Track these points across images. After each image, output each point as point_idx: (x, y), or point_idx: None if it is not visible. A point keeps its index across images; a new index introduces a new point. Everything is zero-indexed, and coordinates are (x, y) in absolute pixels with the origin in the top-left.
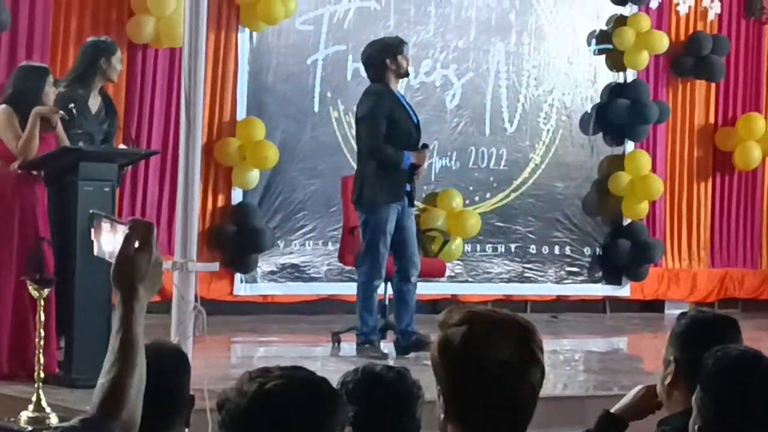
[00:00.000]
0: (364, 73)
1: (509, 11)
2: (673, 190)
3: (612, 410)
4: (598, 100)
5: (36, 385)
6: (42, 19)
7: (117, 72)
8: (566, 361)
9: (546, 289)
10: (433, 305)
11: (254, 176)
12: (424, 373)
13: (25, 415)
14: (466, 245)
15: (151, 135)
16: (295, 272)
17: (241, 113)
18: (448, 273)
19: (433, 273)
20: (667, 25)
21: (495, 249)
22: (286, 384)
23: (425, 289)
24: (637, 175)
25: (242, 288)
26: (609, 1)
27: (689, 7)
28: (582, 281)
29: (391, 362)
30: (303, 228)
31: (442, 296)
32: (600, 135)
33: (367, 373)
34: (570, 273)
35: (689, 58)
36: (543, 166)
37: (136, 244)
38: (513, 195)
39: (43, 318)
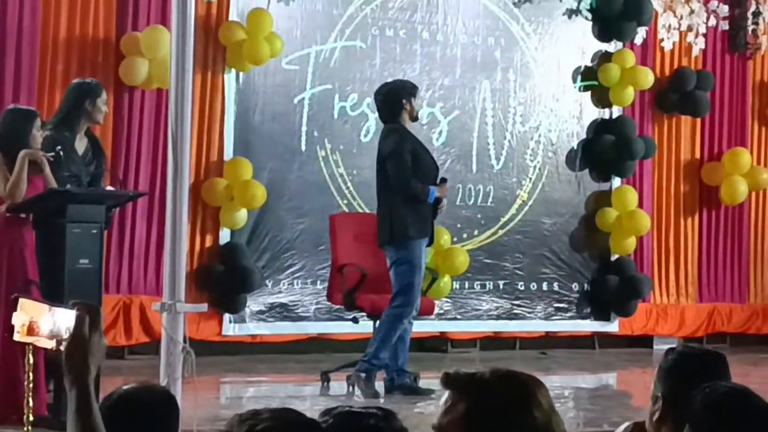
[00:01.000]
0: (350, 112)
1: (494, 49)
2: (660, 226)
3: None
4: (584, 136)
5: (25, 429)
6: (29, 61)
7: (102, 114)
8: (556, 398)
9: (535, 326)
10: (421, 343)
11: (242, 216)
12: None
13: None
14: (454, 282)
15: (138, 176)
16: (284, 312)
17: (228, 153)
18: (436, 310)
19: (422, 311)
20: (651, 60)
21: (483, 286)
22: (276, 426)
23: (416, 327)
24: (624, 211)
25: (231, 328)
26: (593, 38)
27: (673, 43)
28: (570, 317)
29: (381, 401)
30: (291, 267)
31: (430, 334)
32: (586, 171)
33: (346, 417)
34: (558, 309)
35: (674, 94)
36: (530, 202)
37: (87, 327)
38: (500, 232)
39: (32, 361)
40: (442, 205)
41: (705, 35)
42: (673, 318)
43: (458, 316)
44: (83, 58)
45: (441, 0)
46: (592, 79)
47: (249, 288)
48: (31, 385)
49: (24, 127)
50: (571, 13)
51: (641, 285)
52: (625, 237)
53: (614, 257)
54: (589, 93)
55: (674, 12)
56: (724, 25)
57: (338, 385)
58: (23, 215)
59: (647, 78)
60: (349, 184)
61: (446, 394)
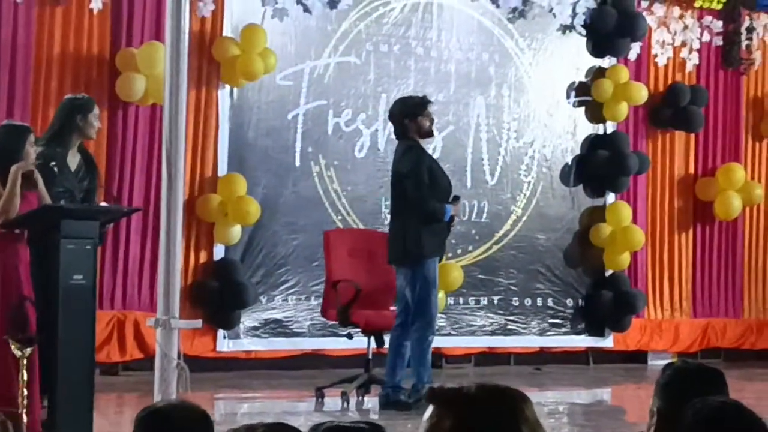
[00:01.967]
0: (345, 128)
1: (489, 64)
2: (654, 241)
3: None
4: (578, 151)
5: None
6: (23, 77)
7: (95, 129)
8: (550, 414)
9: (529, 341)
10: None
11: (236, 232)
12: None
13: None
14: (448, 298)
15: (132, 192)
16: (278, 327)
17: (222, 169)
18: None
19: None
20: (645, 76)
21: (478, 302)
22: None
23: None
24: (618, 226)
25: (225, 344)
26: (588, 53)
27: (667, 59)
28: (565, 333)
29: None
30: (286, 283)
31: None
32: (581, 187)
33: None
34: (553, 325)
35: (668, 109)
36: (524, 218)
37: None
38: (495, 247)
39: (26, 377)
40: (454, 223)
41: (699, 51)
42: (668, 333)
43: (453, 332)
44: (77, 74)
45: (435, 16)
46: (586, 94)
47: (243, 304)
48: (25, 402)
49: (17, 142)
50: (566, 28)
51: (635, 300)
52: (620, 252)
53: (608, 273)
54: (583, 109)
55: (668, 28)
56: (718, 41)
57: (332, 401)
58: (17, 231)
59: (641, 93)
60: (343, 199)
61: (430, 409)
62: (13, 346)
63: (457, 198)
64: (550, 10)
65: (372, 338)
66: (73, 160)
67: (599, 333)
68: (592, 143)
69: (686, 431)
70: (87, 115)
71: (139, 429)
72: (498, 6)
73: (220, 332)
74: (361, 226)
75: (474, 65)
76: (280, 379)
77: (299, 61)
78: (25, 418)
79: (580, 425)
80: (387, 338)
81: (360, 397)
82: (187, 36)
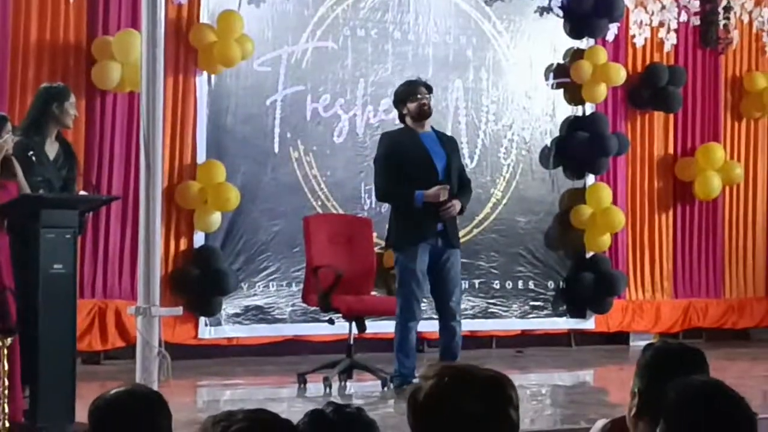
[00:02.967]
0: (323, 113)
1: (466, 47)
2: (634, 222)
3: None
4: (557, 133)
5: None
6: None
7: (71, 117)
8: (533, 396)
9: (511, 324)
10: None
11: (216, 219)
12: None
13: None
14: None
15: (111, 180)
16: (260, 314)
17: (201, 156)
18: None
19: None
20: (623, 57)
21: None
22: (250, 427)
23: (390, 328)
24: (598, 208)
25: (206, 331)
26: (565, 35)
27: (645, 39)
28: (546, 315)
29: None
30: (266, 269)
31: None
32: (560, 169)
33: (318, 416)
34: (534, 307)
35: (647, 90)
36: (504, 201)
37: None
38: (475, 231)
39: (6, 367)
40: (446, 207)
41: (677, 31)
42: (649, 314)
43: (434, 316)
44: (54, 63)
45: (413, 7)
46: (564, 76)
47: (224, 291)
48: (6, 392)
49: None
50: (543, 10)
51: (616, 282)
52: (600, 234)
53: (589, 254)
54: (561, 90)
55: (645, 8)
56: (696, 21)
57: (315, 387)
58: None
59: (619, 74)
60: (323, 185)
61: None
62: None
63: (443, 183)
64: None
65: (353, 323)
66: (52, 149)
67: (581, 315)
68: (571, 125)
69: (668, 411)
70: (63, 103)
71: (92, 419)
72: None
73: (202, 319)
74: (341, 212)
75: (452, 49)
76: (262, 366)
77: (276, 47)
78: (6, 408)
79: (563, 407)
80: (368, 323)
81: (342, 383)
82: (163, 23)
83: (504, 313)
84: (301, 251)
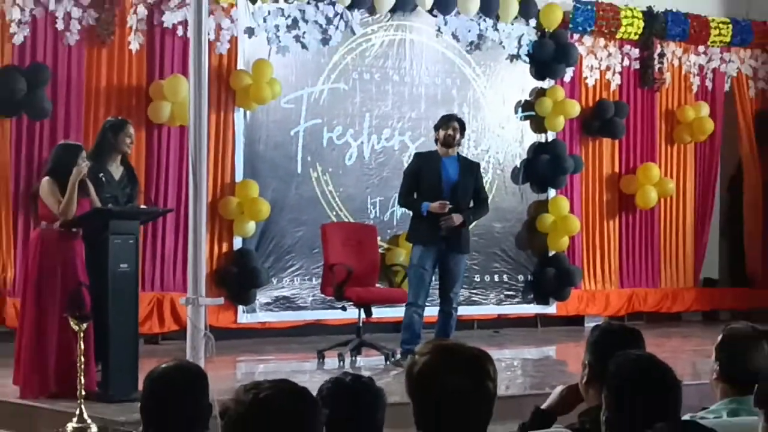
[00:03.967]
0: (337, 141)
1: (452, 88)
2: (587, 227)
3: (542, 406)
4: (525, 156)
5: (78, 401)
6: (76, 106)
7: (127, 144)
8: (507, 367)
9: (489, 310)
10: (396, 326)
11: (251, 227)
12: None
13: (70, 426)
14: None
15: (167, 196)
16: (286, 303)
17: (238, 176)
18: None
19: (398, 300)
20: (578, 94)
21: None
22: (275, 393)
23: (392, 313)
24: (558, 216)
25: (244, 317)
26: (531, 77)
27: (595, 80)
28: (517, 302)
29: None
30: (292, 267)
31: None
32: (528, 184)
33: (338, 383)
34: (507, 296)
35: (597, 121)
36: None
37: None
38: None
39: (83, 346)
40: (444, 220)
41: (620, 73)
42: (600, 301)
43: (427, 304)
44: (120, 102)
45: (408, 49)
46: (530, 110)
47: (258, 284)
48: (82, 366)
49: (71, 158)
50: (513, 57)
51: (573, 275)
52: (560, 237)
53: (551, 253)
54: (528, 122)
55: (595, 55)
56: (636, 65)
57: (331, 361)
58: (74, 230)
59: (575, 108)
60: (337, 199)
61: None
62: (72, 322)
63: (444, 202)
64: (500, 43)
65: (362, 310)
66: (117, 171)
67: (545, 302)
68: (536, 149)
69: (610, 379)
70: (118, 133)
71: (149, 386)
72: (458, 41)
73: (240, 308)
74: (352, 220)
75: (439, 89)
76: (289, 345)
77: (299, 88)
78: (83, 379)
79: (531, 376)
80: (374, 310)
81: (353, 358)
82: (207, 69)
83: (483, 301)
84: (319, 252)
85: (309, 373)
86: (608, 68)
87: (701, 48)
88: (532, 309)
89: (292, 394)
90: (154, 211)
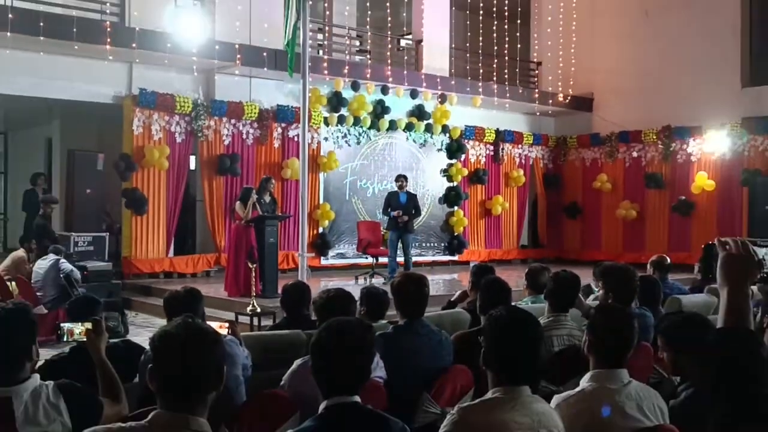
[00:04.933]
0: (363, 186)
1: (412, 162)
2: (471, 223)
3: (451, 299)
4: (444, 192)
5: (252, 297)
6: (251, 170)
7: (272, 187)
8: (436, 281)
9: (427, 258)
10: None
11: (326, 223)
12: None
13: (248, 309)
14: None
15: (289, 210)
16: (341, 256)
17: (322, 200)
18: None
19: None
20: (467, 165)
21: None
22: (338, 292)
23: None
24: (458, 218)
25: (324, 261)
26: (446, 158)
27: (474, 159)
28: (440, 255)
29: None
30: (344, 240)
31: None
32: (445, 204)
33: (366, 288)
34: (436, 252)
35: (474, 177)
36: (427, 214)
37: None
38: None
39: (254, 274)
40: (400, 219)
41: (486, 155)
42: (475, 255)
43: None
44: (268, 170)
45: (393, 146)
46: (447, 172)
47: (329, 248)
48: (254, 282)
49: (248, 193)
50: (438, 150)
51: (464, 243)
52: (459, 227)
53: (455, 234)
54: (446, 176)
55: (474, 149)
56: (491, 151)
57: (361, 280)
58: (250, 225)
59: (465, 172)
60: (363, 210)
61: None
62: (249, 264)
63: (400, 211)
64: (433, 144)
65: (375, 259)
66: (267, 198)
67: (452, 254)
68: (448, 189)
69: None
70: (268, 183)
71: (284, 292)
72: (415, 142)
73: (321, 258)
74: (369, 219)
75: (407, 163)
76: (343, 275)
77: (346, 163)
78: (253, 290)
79: (446, 286)
80: (381, 259)
81: (370, 279)
82: (307, 155)
83: (424, 254)
84: (356, 234)
85: (351, 286)
86: (480, 154)
87: (520, 145)
88: (447, 258)
89: (344, 293)
90: (284, 216)
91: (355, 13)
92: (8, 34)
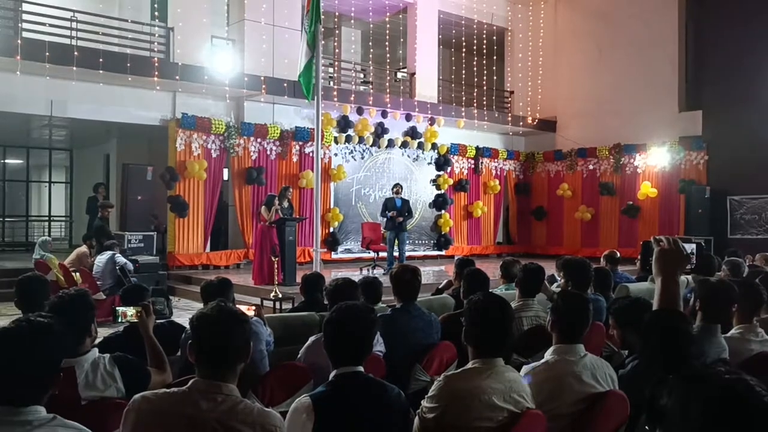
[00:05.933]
0: (367, 193)
1: (407, 173)
2: (456, 223)
3: (439, 287)
4: (433, 198)
5: (275, 285)
6: (273, 181)
7: (286, 197)
8: (426, 272)
9: (419, 253)
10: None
11: (336, 224)
12: None
13: (271, 295)
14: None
15: (305, 212)
16: (348, 251)
17: (332, 205)
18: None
19: (385, 249)
20: (453, 176)
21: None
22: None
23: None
24: (445, 219)
25: (334, 255)
26: (435, 170)
27: (459, 171)
28: (430, 250)
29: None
30: (350, 238)
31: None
32: (434, 209)
33: (366, 278)
34: (426, 248)
35: (458, 185)
36: (419, 217)
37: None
38: (410, 226)
39: (276, 266)
40: (398, 220)
41: (468, 168)
42: (459, 250)
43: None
44: (288, 180)
45: (391, 159)
46: (436, 182)
47: (338, 244)
48: (276, 273)
49: (271, 199)
50: (429, 163)
51: (450, 240)
52: (445, 227)
53: (442, 232)
54: (435, 185)
55: (456, 162)
56: (471, 165)
57: (364, 272)
58: (273, 225)
59: (450, 182)
60: (366, 214)
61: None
62: (272, 257)
63: (395, 212)
64: (425, 158)
65: (376, 254)
66: (286, 203)
67: (440, 250)
68: (437, 196)
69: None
70: (287, 191)
71: (303, 281)
72: (409, 157)
73: (332, 252)
74: (371, 221)
75: (402, 174)
76: (350, 266)
77: (352, 174)
78: (276, 279)
79: (436, 276)
80: (381, 254)
81: (372, 270)
82: (320, 169)
83: (417, 250)
84: (360, 234)
85: (357, 276)
86: (463, 167)
87: (496, 160)
88: (435, 253)
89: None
90: (301, 218)
91: (360, 51)
92: (74, 68)
